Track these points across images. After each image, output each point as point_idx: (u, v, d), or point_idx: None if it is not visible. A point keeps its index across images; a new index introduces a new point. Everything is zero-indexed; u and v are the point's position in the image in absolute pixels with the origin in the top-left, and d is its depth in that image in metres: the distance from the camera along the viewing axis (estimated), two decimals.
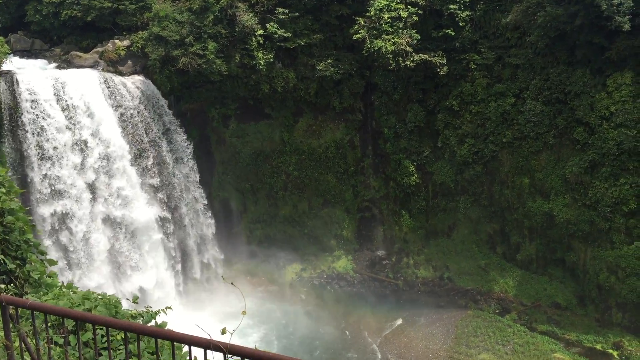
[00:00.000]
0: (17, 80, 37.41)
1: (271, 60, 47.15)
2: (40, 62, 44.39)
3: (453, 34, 47.45)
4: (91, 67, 43.78)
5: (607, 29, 40.53)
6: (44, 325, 8.39)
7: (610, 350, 42.15)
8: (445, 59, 47.89)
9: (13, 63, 40.34)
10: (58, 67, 43.46)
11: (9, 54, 38.95)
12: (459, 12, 46.66)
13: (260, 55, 46.66)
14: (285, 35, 46.98)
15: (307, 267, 52.00)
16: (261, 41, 46.67)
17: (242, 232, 52.40)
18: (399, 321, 46.69)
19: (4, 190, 12.49)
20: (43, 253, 13.35)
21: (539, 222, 46.58)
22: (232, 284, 9.88)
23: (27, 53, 46.05)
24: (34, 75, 38.81)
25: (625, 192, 41.47)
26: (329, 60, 48.42)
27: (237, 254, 51.99)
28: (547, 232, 46.56)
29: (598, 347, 42.66)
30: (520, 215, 47.83)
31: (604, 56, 42.14)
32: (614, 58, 41.72)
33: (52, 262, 13.14)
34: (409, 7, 47.28)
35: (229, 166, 51.24)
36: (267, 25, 46.73)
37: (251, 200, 52.09)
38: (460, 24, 47.19)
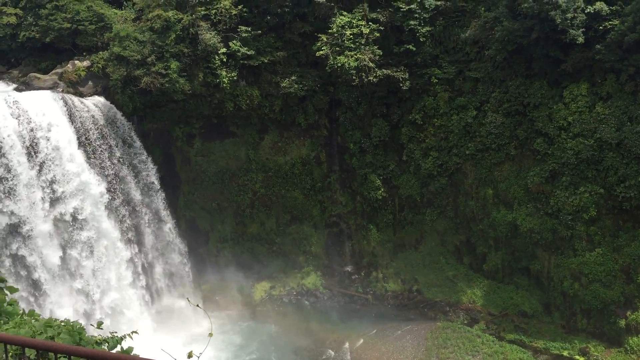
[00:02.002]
0: None
1: (235, 78, 47.13)
2: None
3: (414, 49, 48.25)
4: (51, 88, 43.02)
5: (562, 42, 41.79)
6: (4, 356, 8.13)
7: (577, 357, 42.89)
8: (407, 74, 48.64)
9: None
10: (17, 90, 42.59)
11: None
12: (419, 27, 47.50)
13: (224, 73, 46.60)
14: (249, 53, 47.06)
15: (277, 284, 51.69)
16: (224, 59, 46.64)
17: (210, 251, 51.85)
18: (370, 335, 46.67)
19: None
20: (3, 280, 12.97)
21: (503, 232, 47.36)
22: (197, 305, 9.74)
23: None
24: None
25: (585, 200, 42.52)
26: (293, 77, 48.63)
27: (206, 273, 51.38)
28: (511, 241, 47.35)
29: (565, 353, 43.36)
30: (485, 225, 48.57)
31: (560, 68, 43.38)
32: (570, 70, 42.98)
33: (13, 290, 12.78)
34: (370, 23, 47.97)
35: (195, 185, 50.79)
36: (230, 44, 46.75)
37: (218, 219, 51.65)
38: (421, 40, 48.02)
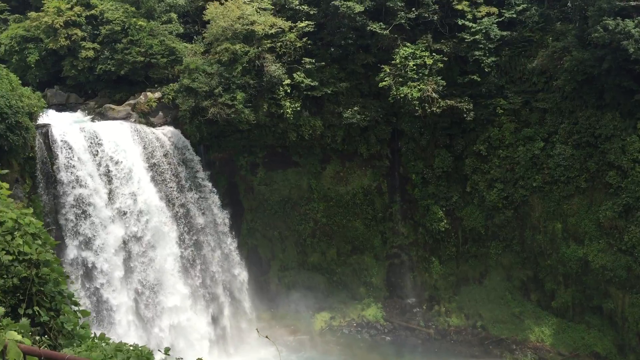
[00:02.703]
0: (52, 133, 38.54)
1: (298, 108, 47.81)
2: (75, 115, 45.73)
3: (479, 79, 47.70)
4: (124, 118, 44.93)
5: (636, 72, 40.34)
6: None
7: None
8: (471, 104, 48.03)
9: (49, 116, 41.64)
10: (92, 120, 44.71)
11: (45, 107, 40.24)
12: (484, 58, 46.97)
13: (288, 104, 47.38)
14: (312, 84, 47.74)
15: (337, 315, 51.25)
16: (288, 90, 47.47)
17: (271, 279, 52.14)
18: None
19: (39, 242, 12.71)
20: (76, 304, 13.44)
21: (573, 268, 45.42)
22: (266, 337, 9.77)
23: (63, 107, 47.50)
24: (68, 128, 39.94)
25: None
26: (356, 108, 48.90)
27: (266, 301, 51.59)
28: (582, 278, 45.32)
29: None
30: (554, 261, 46.75)
31: (634, 99, 41.77)
32: None
33: (86, 313, 13.17)
34: (434, 54, 47.84)
35: (257, 214, 51.43)
36: (294, 75, 47.60)
37: (279, 247, 51.99)
38: (486, 70, 47.44)
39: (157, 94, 47.07)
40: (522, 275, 49.06)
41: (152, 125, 45.74)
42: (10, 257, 11.92)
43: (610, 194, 43.55)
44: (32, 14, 48.53)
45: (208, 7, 48.10)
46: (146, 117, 46.04)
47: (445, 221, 50.84)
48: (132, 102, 46.55)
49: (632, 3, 40.89)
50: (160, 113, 46.83)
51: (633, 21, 39.77)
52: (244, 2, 47.96)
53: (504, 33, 46.97)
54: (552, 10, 47.66)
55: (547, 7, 47.77)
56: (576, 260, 45.09)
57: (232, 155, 50.22)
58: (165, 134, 45.18)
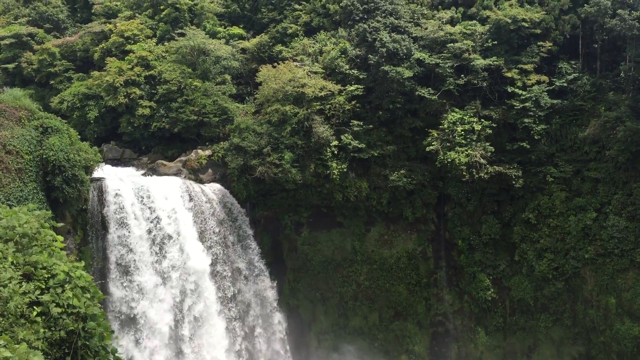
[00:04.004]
0: (106, 187, 39.73)
1: (345, 170, 48.07)
2: (129, 170, 47.19)
3: (528, 146, 47.20)
4: (175, 174, 46.08)
5: None
6: None
7: None
8: (520, 172, 47.38)
9: (104, 170, 43.06)
10: (144, 174, 45.99)
11: (101, 162, 41.70)
12: (534, 125, 46.60)
13: (334, 165, 47.72)
14: (359, 146, 48.12)
15: None
16: (335, 151, 47.93)
17: (311, 342, 51.16)
18: None
19: (88, 295, 12.90)
20: (119, 359, 13.48)
21: (629, 347, 43.02)
22: None
23: (118, 161, 49.22)
24: (122, 183, 41.13)
25: None
26: (402, 171, 48.83)
27: None
28: (638, 358, 42.78)
29: None
30: (607, 338, 44.45)
31: None
32: None
33: None
34: (482, 120, 47.78)
35: (300, 274, 51.09)
36: (342, 137, 48.12)
37: (321, 309, 51.20)
38: (536, 137, 46.97)
39: (208, 152, 48.24)
40: (573, 351, 46.70)
41: (201, 181, 46.69)
42: (59, 310, 12.12)
43: None
44: (95, 73, 51.14)
45: (261, 69, 49.70)
46: (196, 173, 47.08)
47: (492, 290, 49.32)
48: (183, 158, 47.80)
49: None
50: (210, 170, 47.84)
51: None
52: (296, 66, 49.37)
53: (555, 101, 46.68)
54: (605, 79, 47.27)
55: (599, 77, 47.44)
56: (631, 338, 42.76)
57: (277, 213, 50.51)
58: (213, 190, 45.96)
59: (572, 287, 46.52)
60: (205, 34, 53.01)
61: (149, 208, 40.45)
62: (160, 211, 40.73)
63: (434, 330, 51.26)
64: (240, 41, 54.76)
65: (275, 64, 50.00)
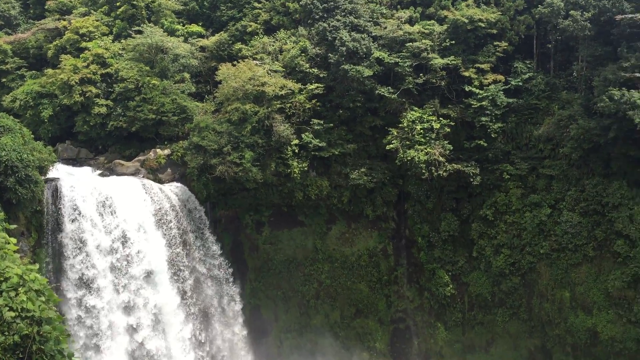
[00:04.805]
0: (61, 188, 38.75)
1: (305, 168, 48.11)
2: (85, 170, 46.11)
3: (485, 144, 48.14)
4: (133, 174, 45.26)
5: None
6: None
7: None
8: (478, 169, 48.30)
9: (59, 170, 41.99)
10: (101, 175, 45.05)
11: (56, 162, 40.64)
12: (491, 124, 47.54)
13: (295, 163, 47.71)
14: (320, 145, 48.23)
15: None
16: (296, 150, 47.91)
17: (273, 341, 51.04)
18: None
19: (43, 299, 12.55)
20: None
21: (582, 339, 44.38)
22: None
23: (73, 161, 48.02)
24: (78, 183, 40.18)
25: None
26: (362, 169, 49.17)
27: None
28: (591, 349, 44.23)
29: None
30: (562, 330, 45.75)
31: None
32: None
33: None
34: (441, 119, 48.49)
35: (262, 273, 50.90)
36: (303, 135, 48.15)
37: (282, 308, 51.12)
38: (493, 135, 47.94)
39: (167, 151, 47.59)
40: (529, 344, 47.91)
41: (160, 181, 46.00)
42: (13, 314, 11.74)
43: (618, 263, 43.04)
44: (49, 71, 49.77)
45: (220, 68, 49.27)
46: (154, 173, 46.37)
47: (451, 286, 50.17)
48: (141, 158, 47.01)
49: (637, 74, 41.63)
50: (169, 170, 47.20)
51: (638, 92, 40.36)
52: (256, 64, 49.13)
53: (511, 100, 47.72)
54: (558, 79, 48.57)
55: (553, 76, 48.72)
56: (585, 330, 44.13)
57: (238, 213, 50.22)
58: (172, 190, 45.34)
59: (528, 282, 47.70)
60: (164, 32, 52.18)
61: (106, 208, 39.61)
62: (117, 210, 39.95)
63: (395, 327, 51.82)
64: (199, 39, 54.13)
65: (235, 62, 49.66)
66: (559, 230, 45.56)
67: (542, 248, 46.45)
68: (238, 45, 52.40)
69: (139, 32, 51.60)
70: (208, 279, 45.93)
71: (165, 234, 42.58)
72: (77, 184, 39.72)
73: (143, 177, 45.17)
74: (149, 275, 40.55)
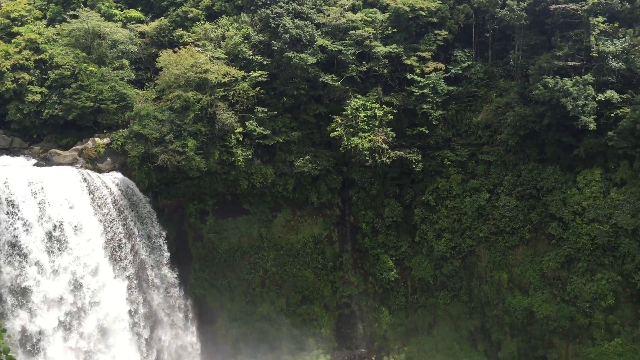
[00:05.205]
0: None
1: (250, 156, 47.87)
2: (19, 160, 44.43)
3: (427, 131, 49.05)
4: (70, 164, 43.92)
5: (575, 128, 42.28)
6: None
7: None
8: (420, 156, 49.22)
9: None
10: (36, 165, 43.52)
11: None
12: (432, 111, 48.42)
13: (239, 152, 47.39)
14: (264, 132, 48.04)
15: None
16: (240, 138, 47.57)
17: (219, 330, 50.82)
18: None
19: None
20: (12, 359, 12.98)
21: (519, 319, 46.14)
22: None
23: (6, 151, 46.21)
24: (10, 173, 38.65)
25: (603, 288, 41.60)
26: (307, 157, 49.32)
27: (213, 353, 50.14)
28: (527, 328, 46.03)
29: None
30: (500, 311, 47.42)
31: (573, 154, 43.64)
32: (583, 155, 43.23)
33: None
34: (384, 106, 49.06)
35: (206, 262, 50.48)
36: (247, 123, 47.81)
37: (228, 297, 50.92)
38: (434, 123, 48.86)
39: (106, 140, 46.39)
40: (469, 325, 49.48)
41: (100, 171, 44.84)
42: None
43: (552, 245, 44.84)
44: None
45: (161, 54, 48.24)
46: (93, 162, 45.17)
47: (394, 271, 51.15)
48: (79, 147, 45.68)
49: (570, 63, 43.18)
50: (109, 159, 46.06)
51: (571, 80, 41.90)
52: (198, 51, 48.33)
53: (451, 88, 48.69)
54: (496, 67, 49.85)
55: (491, 65, 49.96)
56: (521, 310, 45.86)
57: (181, 202, 49.55)
58: (113, 180, 44.26)
59: (468, 265, 49.14)
60: (101, 17, 50.66)
61: (42, 198, 38.27)
62: (54, 201, 38.69)
63: (340, 312, 52.51)
64: (139, 25, 52.75)
65: (176, 49, 48.71)
66: (497, 214, 47.03)
67: (481, 232, 47.87)
68: (179, 32, 51.35)
69: (75, 16, 49.95)
70: (152, 269, 45.23)
71: (105, 224, 41.60)
72: (10, 174, 38.14)
73: (81, 167, 43.93)
74: (87, 266, 39.62)
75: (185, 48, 48.23)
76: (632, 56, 42.26)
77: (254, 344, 50.59)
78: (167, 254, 46.15)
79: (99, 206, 41.45)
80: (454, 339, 49.45)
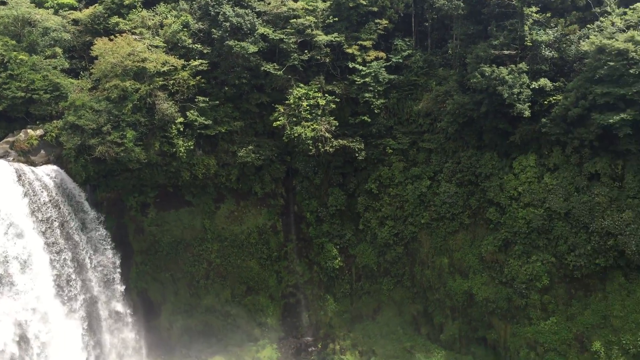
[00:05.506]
0: None
1: (191, 147, 47.12)
2: None
3: (369, 120, 49.51)
4: (1, 157, 42.03)
5: (510, 115, 43.52)
6: None
7: None
8: (363, 144, 49.67)
9: None
10: None
11: None
12: (374, 100, 48.86)
13: (181, 142, 46.58)
14: (206, 122, 47.36)
15: (231, 358, 49.94)
16: (181, 129, 46.73)
17: (162, 324, 50.04)
18: None
19: None
20: None
21: (459, 301, 47.39)
22: None
23: None
24: None
25: (538, 269, 43.15)
26: (250, 147, 48.97)
27: (158, 347, 49.39)
28: (468, 310, 47.36)
29: None
30: (441, 295, 48.58)
31: (509, 140, 44.96)
32: (518, 142, 44.59)
33: None
34: (326, 95, 49.17)
35: (148, 256, 49.52)
36: (188, 113, 47.00)
37: (171, 290, 50.17)
38: (376, 111, 49.36)
39: (39, 132, 44.63)
40: (412, 309, 50.52)
41: (33, 164, 43.12)
42: None
43: (490, 229, 46.17)
44: None
45: (96, 42, 46.69)
46: (26, 155, 43.40)
47: (339, 259, 51.60)
48: (10, 139, 43.77)
49: (506, 52, 44.33)
50: (43, 151, 44.35)
51: (507, 69, 43.05)
52: (135, 39, 47.05)
53: (392, 77, 49.23)
54: (435, 56, 50.68)
55: (430, 54, 50.76)
56: (462, 293, 47.11)
57: (121, 195, 48.36)
58: (47, 173, 42.65)
59: (410, 251, 50.07)
60: (31, 3, 48.52)
61: None
62: None
63: (286, 302, 52.63)
64: (72, 12, 50.90)
65: (113, 37, 47.24)
66: (438, 201, 48.02)
67: (423, 218, 48.81)
68: (115, 19, 49.78)
69: (3, 2, 47.79)
70: (91, 266, 43.99)
71: (40, 219, 40.11)
72: None
73: (13, 159, 42.12)
74: (24, 264, 38.13)
75: (122, 36, 46.86)
76: (564, 45, 43.73)
77: (199, 336, 50.11)
78: (107, 236, 45.04)
79: (34, 203, 39.88)
80: (398, 323, 50.41)
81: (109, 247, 45.55)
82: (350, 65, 49.58)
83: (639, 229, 38.85)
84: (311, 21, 49.15)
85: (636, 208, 39.41)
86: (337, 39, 49.21)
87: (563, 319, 42.69)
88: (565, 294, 43.02)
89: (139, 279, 49.19)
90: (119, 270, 45.81)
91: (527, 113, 42.68)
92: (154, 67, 45.45)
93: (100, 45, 46.13)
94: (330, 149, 48.51)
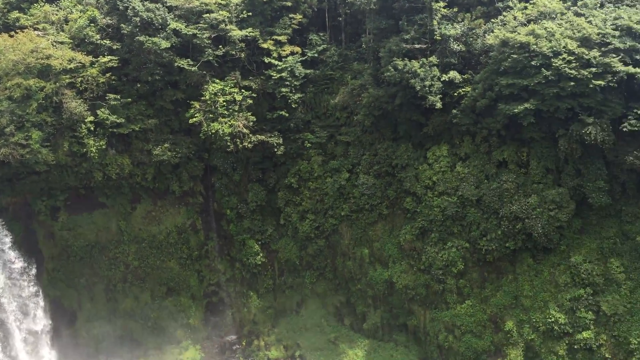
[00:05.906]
0: None
1: (103, 147, 45.44)
2: None
3: (287, 115, 49.60)
4: None
5: (423, 107, 44.86)
6: None
7: None
8: (281, 139, 49.72)
9: None
10: None
11: None
12: (291, 94, 48.97)
13: (92, 142, 44.80)
14: (118, 121, 45.80)
15: None
16: (92, 128, 44.94)
17: (78, 332, 48.01)
18: None
19: None
20: None
21: (380, 290, 48.43)
22: None
23: None
24: None
25: (453, 255, 44.76)
26: (166, 145, 47.84)
27: (73, 356, 47.33)
28: (389, 299, 48.49)
29: None
30: (363, 285, 49.46)
31: (423, 131, 46.35)
32: (431, 133, 46.07)
33: None
34: (243, 90, 48.78)
35: (60, 262, 47.33)
36: (98, 112, 45.27)
37: (87, 296, 48.19)
38: (293, 106, 49.52)
39: None
40: (335, 301, 51.17)
41: None
42: None
43: (408, 219, 47.44)
44: None
45: None
46: None
47: (261, 255, 51.46)
48: None
49: (417, 46, 45.55)
50: None
51: (418, 62, 44.26)
52: (38, 35, 44.76)
53: (308, 71, 49.52)
54: (350, 50, 51.42)
55: (344, 48, 51.42)
56: (382, 282, 48.15)
57: (27, 199, 45.92)
58: None
59: (332, 243, 50.65)
60: None
61: None
62: None
63: (208, 301, 51.88)
64: None
65: (13, 33, 44.73)
66: (357, 193, 48.81)
67: (343, 210, 49.48)
68: (15, 14, 47.16)
69: None
70: None
71: None
72: None
73: None
74: None
75: (23, 32, 44.46)
76: (471, 39, 45.46)
77: (117, 342, 48.50)
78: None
79: None
80: (322, 315, 50.91)
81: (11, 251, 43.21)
82: (266, 60, 49.42)
83: (544, 212, 41.10)
84: (225, 16, 48.56)
85: (541, 192, 41.68)
86: (251, 33, 48.88)
87: (478, 301, 44.54)
88: (479, 277, 44.89)
89: (52, 287, 46.93)
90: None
91: (438, 105, 44.04)
92: (60, 64, 43.44)
93: (0, 41, 43.55)
94: (249, 145, 48.23)
